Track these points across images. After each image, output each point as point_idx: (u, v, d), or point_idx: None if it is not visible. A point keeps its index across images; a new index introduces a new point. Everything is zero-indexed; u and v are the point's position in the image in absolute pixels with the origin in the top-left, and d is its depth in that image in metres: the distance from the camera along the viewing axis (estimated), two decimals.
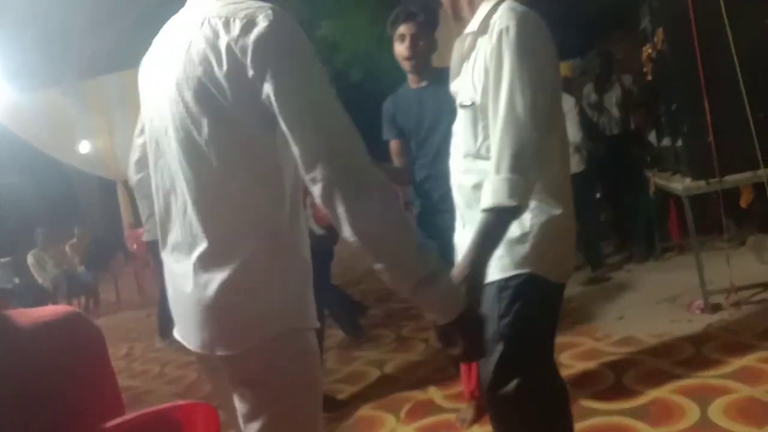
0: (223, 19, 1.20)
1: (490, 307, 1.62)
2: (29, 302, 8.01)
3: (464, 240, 1.65)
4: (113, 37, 11.35)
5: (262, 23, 1.17)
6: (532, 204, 1.55)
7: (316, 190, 1.15)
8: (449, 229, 2.65)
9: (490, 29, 1.55)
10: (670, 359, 3.10)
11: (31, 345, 0.96)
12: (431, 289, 1.17)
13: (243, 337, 1.25)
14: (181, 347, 1.43)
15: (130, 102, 9.16)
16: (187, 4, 1.36)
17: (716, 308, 3.64)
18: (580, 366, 3.24)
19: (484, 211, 1.48)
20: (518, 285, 1.60)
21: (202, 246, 1.24)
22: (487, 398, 1.75)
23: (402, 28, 2.64)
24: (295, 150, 1.16)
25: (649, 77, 4.23)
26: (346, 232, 1.14)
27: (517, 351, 1.62)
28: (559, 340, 3.66)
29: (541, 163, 1.52)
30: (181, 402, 1.26)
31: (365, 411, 3.21)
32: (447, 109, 2.57)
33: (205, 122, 1.21)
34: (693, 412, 2.53)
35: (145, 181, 1.61)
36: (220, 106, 1.19)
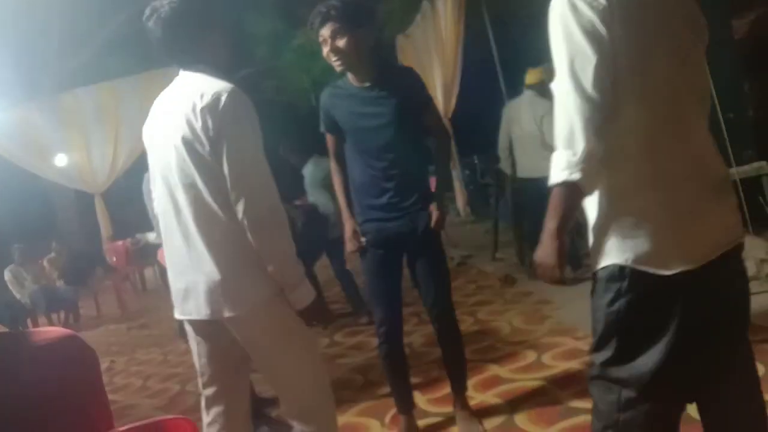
0: (199, 92, 1.83)
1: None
2: (7, 318, 7.90)
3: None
4: (88, 51, 11.28)
5: (225, 98, 1.81)
6: (605, 182, 1.47)
7: (239, 214, 1.83)
8: (389, 238, 2.67)
9: None
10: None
11: (30, 365, 0.98)
12: (300, 288, 1.92)
13: (244, 301, 1.88)
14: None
15: (106, 115, 9.13)
16: (175, 81, 1.98)
17: None
18: (563, 366, 3.28)
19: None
20: (604, 278, 1.52)
21: (203, 244, 1.87)
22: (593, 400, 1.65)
23: (322, 31, 2.51)
24: (228, 184, 1.82)
25: None
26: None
27: (624, 359, 1.52)
28: (541, 340, 3.72)
29: (609, 136, 1.41)
30: (163, 417, 1.29)
31: (350, 417, 3.21)
32: (393, 112, 2.56)
33: (192, 161, 1.85)
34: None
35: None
36: (200, 151, 1.83)
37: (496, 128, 5.60)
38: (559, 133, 1.45)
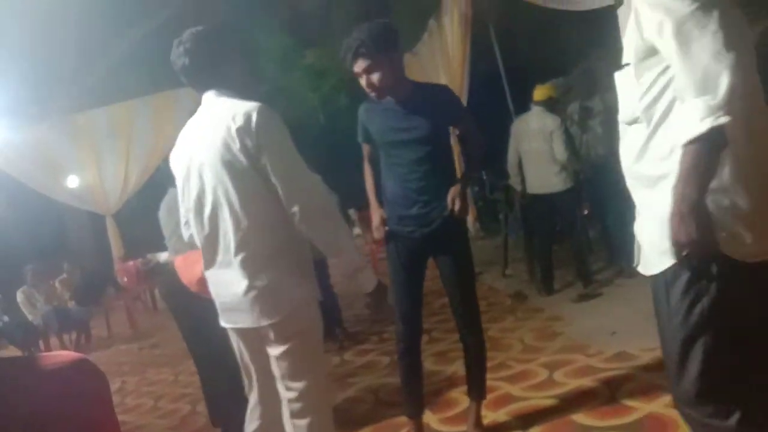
0: (231, 115, 1.97)
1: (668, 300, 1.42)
2: (19, 339, 7.93)
3: (641, 229, 1.48)
4: (101, 71, 11.41)
5: (255, 116, 1.95)
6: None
7: (295, 219, 1.99)
8: (415, 249, 2.76)
9: None
10: (662, 373, 3.06)
11: (40, 390, 0.97)
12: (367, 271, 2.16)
13: (279, 309, 2.05)
14: None
15: (118, 136, 9.22)
16: (201, 108, 2.13)
17: None
18: (574, 383, 3.24)
19: (683, 147, 1.31)
20: (681, 276, 1.37)
21: (240, 260, 2.03)
22: (687, 420, 1.51)
23: (355, 67, 2.57)
24: (280, 194, 1.98)
25: None
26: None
27: (717, 362, 1.39)
28: (552, 357, 3.69)
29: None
30: None
31: None
32: (425, 127, 2.65)
33: (231, 182, 1.99)
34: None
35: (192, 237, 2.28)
36: (239, 171, 1.98)
37: (504, 144, 5.61)
38: (688, 83, 1.30)
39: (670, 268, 1.40)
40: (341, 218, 2.12)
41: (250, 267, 2.04)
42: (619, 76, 1.55)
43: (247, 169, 1.97)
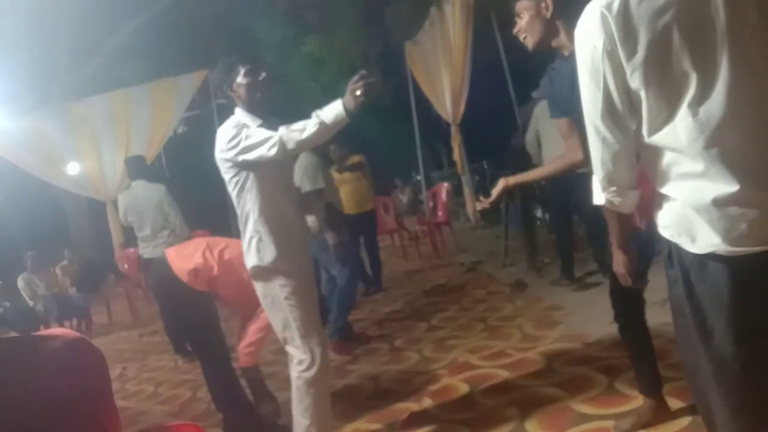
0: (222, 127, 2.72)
1: None
2: (20, 326, 7.95)
3: None
4: (99, 59, 11.36)
5: (220, 131, 2.66)
6: None
7: None
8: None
9: None
10: (661, 361, 3.09)
11: (34, 369, 0.98)
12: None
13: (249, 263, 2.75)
14: None
15: (117, 123, 9.20)
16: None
17: None
18: (573, 371, 3.26)
19: None
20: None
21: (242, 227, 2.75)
22: None
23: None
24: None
25: None
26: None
27: None
28: (552, 346, 3.71)
29: None
30: (169, 423, 1.29)
31: (360, 424, 3.21)
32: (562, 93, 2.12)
33: (223, 175, 2.73)
34: (685, 413, 2.55)
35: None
36: (221, 168, 2.72)
37: (506, 134, 5.57)
38: None
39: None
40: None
41: (242, 230, 2.73)
42: None
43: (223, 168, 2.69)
